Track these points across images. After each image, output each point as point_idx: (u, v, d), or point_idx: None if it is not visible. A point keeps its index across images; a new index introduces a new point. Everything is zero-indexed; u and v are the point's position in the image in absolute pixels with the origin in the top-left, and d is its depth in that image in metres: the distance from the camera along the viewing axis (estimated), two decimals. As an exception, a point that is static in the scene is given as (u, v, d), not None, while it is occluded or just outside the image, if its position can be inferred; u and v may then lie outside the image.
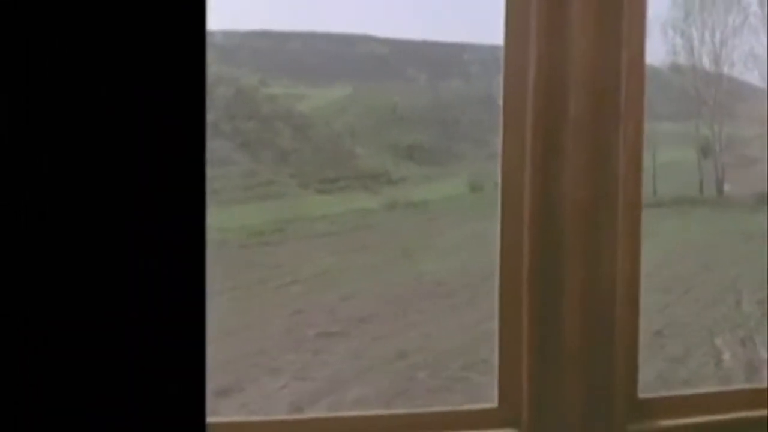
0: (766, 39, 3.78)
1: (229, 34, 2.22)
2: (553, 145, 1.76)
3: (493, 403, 1.82)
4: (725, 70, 3.78)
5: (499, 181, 1.81)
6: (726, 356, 2.96)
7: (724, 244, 3.63)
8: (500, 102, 1.79)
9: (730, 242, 3.61)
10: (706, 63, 3.79)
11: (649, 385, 1.86)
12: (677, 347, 2.92)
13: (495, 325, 1.85)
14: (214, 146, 2.26)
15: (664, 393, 2.12)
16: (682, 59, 3.80)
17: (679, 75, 3.86)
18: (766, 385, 1.61)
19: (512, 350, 1.80)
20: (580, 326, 1.78)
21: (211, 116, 2.22)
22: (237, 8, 1.98)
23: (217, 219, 2.37)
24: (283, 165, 2.40)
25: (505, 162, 1.78)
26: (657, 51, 3.47)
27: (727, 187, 3.94)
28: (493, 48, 1.82)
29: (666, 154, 3.32)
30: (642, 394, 1.85)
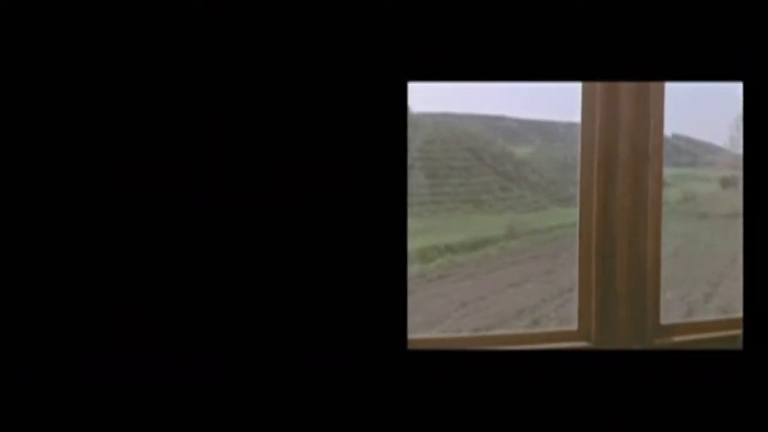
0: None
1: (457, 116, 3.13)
2: (610, 176, 2.19)
3: (574, 326, 2.25)
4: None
5: (578, 196, 2.20)
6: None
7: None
8: (578, 151, 2.20)
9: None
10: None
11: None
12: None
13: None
14: (493, 179, 3.06)
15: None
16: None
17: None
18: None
19: (586, 296, 2.22)
20: (626, 281, 2.20)
21: (488, 160, 2.98)
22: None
23: (516, 221, 3.17)
24: (534, 191, 3.15)
25: (581, 185, 2.20)
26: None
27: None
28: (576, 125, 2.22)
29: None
30: (663, 322, 2.26)
